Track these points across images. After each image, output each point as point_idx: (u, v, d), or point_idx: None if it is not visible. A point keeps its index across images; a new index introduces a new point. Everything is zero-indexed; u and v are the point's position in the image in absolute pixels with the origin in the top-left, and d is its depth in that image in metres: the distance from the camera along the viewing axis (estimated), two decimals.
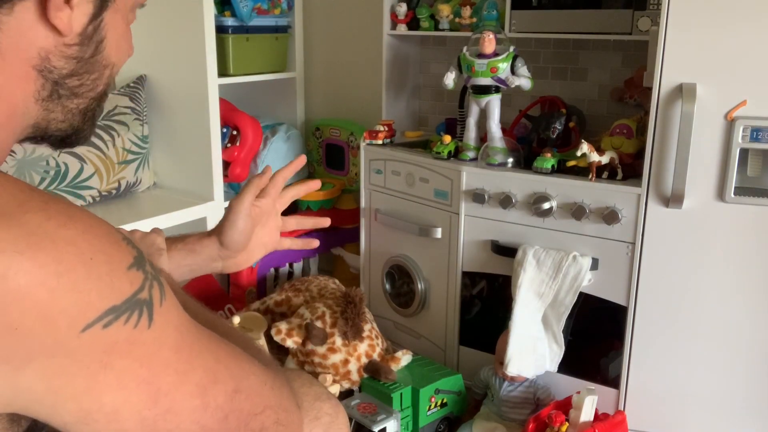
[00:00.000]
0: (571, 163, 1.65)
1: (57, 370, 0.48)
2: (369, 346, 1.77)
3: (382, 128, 2.03)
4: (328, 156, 2.48)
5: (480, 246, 1.76)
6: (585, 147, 1.56)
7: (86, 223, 0.50)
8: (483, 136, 1.81)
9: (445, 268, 1.85)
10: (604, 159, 1.58)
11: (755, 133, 1.41)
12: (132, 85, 2.21)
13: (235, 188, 2.38)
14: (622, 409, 1.63)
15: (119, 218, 1.98)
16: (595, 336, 1.77)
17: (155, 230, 0.99)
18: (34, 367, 0.47)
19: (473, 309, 1.95)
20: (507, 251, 1.70)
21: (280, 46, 2.44)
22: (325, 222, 1.17)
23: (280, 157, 2.35)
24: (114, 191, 2.13)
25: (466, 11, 1.97)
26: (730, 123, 1.42)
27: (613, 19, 1.70)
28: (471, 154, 1.80)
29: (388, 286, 2.05)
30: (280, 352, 1.83)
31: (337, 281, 2.07)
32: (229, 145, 2.23)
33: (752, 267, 1.47)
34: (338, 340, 1.76)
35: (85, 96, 0.62)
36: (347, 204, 2.36)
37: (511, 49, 1.73)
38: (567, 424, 1.53)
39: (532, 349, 1.66)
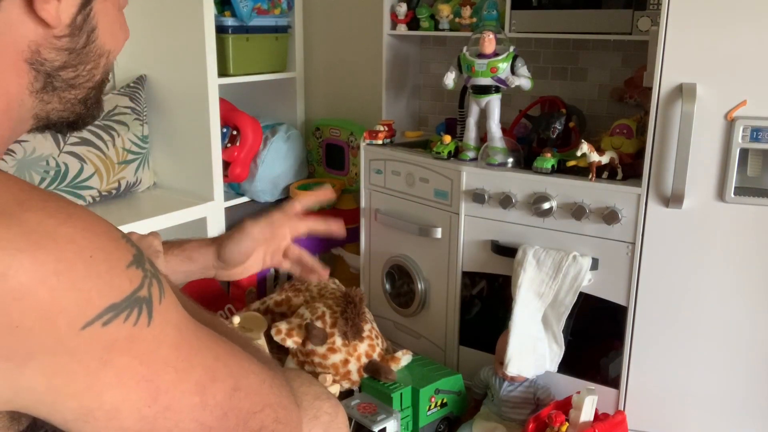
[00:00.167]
0: (571, 163, 1.65)
1: (57, 368, 0.48)
2: (369, 346, 1.77)
3: (382, 128, 2.03)
4: (328, 156, 2.48)
5: (480, 246, 1.76)
6: (585, 147, 1.56)
7: (86, 221, 0.50)
8: (483, 136, 1.81)
9: (445, 268, 1.85)
10: (604, 159, 1.58)
11: (755, 133, 1.41)
12: (132, 85, 2.21)
13: (235, 188, 2.38)
14: (622, 409, 1.63)
15: (119, 218, 1.98)
16: (595, 336, 1.77)
17: (152, 234, 0.99)
18: (35, 365, 0.47)
19: (473, 309, 1.95)
20: (507, 251, 1.70)
21: (280, 46, 2.44)
22: (325, 274, 1.14)
23: (280, 157, 2.35)
24: (114, 191, 2.13)
25: (466, 11, 1.97)
26: (730, 123, 1.42)
27: (613, 19, 1.70)
28: (471, 154, 1.80)
29: (388, 286, 2.05)
30: (280, 352, 1.83)
31: (337, 281, 2.07)
32: (229, 145, 2.23)
33: (752, 267, 1.47)
34: (338, 340, 1.76)
35: (83, 86, 0.61)
36: (347, 204, 2.36)
37: (511, 49, 1.73)
38: (567, 424, 1.53)
39: (532, 349, 1.66)
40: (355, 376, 1.75)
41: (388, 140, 2.03)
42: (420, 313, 1.96)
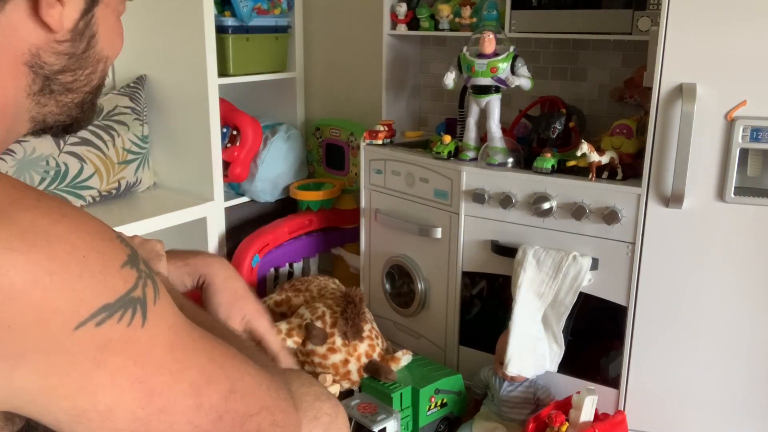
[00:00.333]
0: (571, 163, 1.65)
1: (51, 368, 0.48)
2: (369, 346, 1.77)
3: (382, 128, 2.03)
4: (328, 156, 2.48)
5: (480, 246, 1.76)
6: (585, 147, 1.56)
7: (79, 220, 0.49)
8: (483, 136, 1.81)
9: (445, 268, 1.85)
10: (604, 159, 1.58)
11: (755, 133, 1.40)
12: (132, 85, 2.21)
13: (235, 188, 2.38)
14: (622, 409, 1.63)
15: (119, 218, 1.98)
16: (595, 336, 1.76)
17: (156, 240, 0.98)
18: (28, 365, 0.47)
19: (473, 309, 1.95)
20: (507, 251, 1.70)
21: (280, 46, 2.44)
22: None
23: (280, 157, 2.35)
24: (114, 191, 2.13)
25: (466, 11, 1.96)
26: (730, 123, 1.42)
27: (613, 19, 1.70)
28: (471, 154, 1.80)
29: (388, 286, 2.05)
30: None
31: (337, 281, 2.07)
32: (229, 145, 2.23)
33: (752, 267, 1.47)
34: (338, 340, 1.76)
35: (80, 91, 0.61)
36: (347, 204, 2.36)
37: (511, 49, 1.73)
38: (567, 424, 1.53)
39: (532, 349, 1.66)
40: (355, 376, 1.75)
41: (388, 140, 2.03)
42: (420, 313, 1.96)
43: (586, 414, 1.53)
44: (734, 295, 1.49)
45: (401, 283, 2.01)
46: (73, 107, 0.62)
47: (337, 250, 2.43)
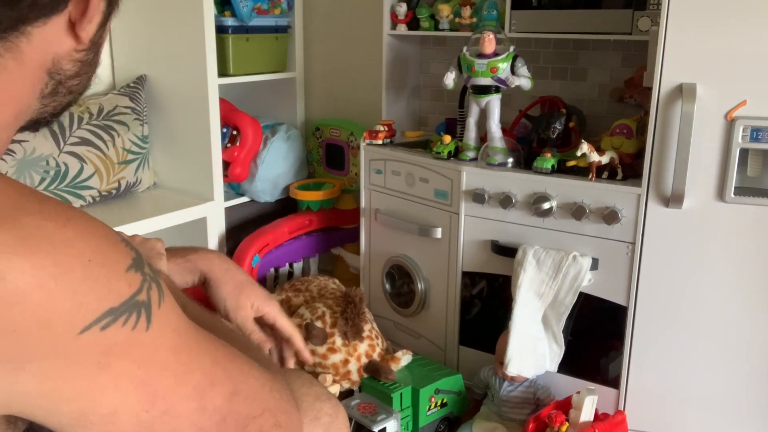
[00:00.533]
0: (571, 163, 1.65)
1: (55, 372, 0.48)
2: (369, 346, 1.77)
3: (382, 128, 2.03)
4: (328, 156, 2.48)
5: (480, 246, 1.76)
6: (585, 147, 1.56)
7: (84, 224, 0.50)
8: (483, 136, 1.81)
9: (445, 268, 1.85)
10: (604, 159, 1.58)
11: (755, 133, 1.41)
12: (132, 85, 2.21)
13: (235, 188, 2.38)
14: (622, 409, 1.63)
15: (119, 218, 1.98)
16: (595, 336, 1.77)
17: (156, 238, 0.99)
18: (32, 369, 0.47)
19: (473, 309, 1.95)
20: (507, 251, 1.70)
21: (280, 46, 2.44)
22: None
23: (280, 157, 2.35)
24: (114, 191, 2.13)
25: (466, 11, 1.96)
26: (730, 123, 1.42)
27: (613, 19, 1.70)
28: (471, 154, 1.80)
29: (388, 286, 2.05)
30: None
31: (337, 281, 2.07)
32: (229, 145, 2.23)
33: (752, 267, 1.47)
34: (338, 340, 1.76)
35: (76, 93, 0.63)
36: (347, 204, 2.36)
37: (511, 49, 1.73)
38: (567, 424, 1.53)
39: (532, 349, 1.66)
40: (355, 376, 1.76)
41: (388, 140, 2.03)
42: (420, 313, 1.96)
43: (586, 414, 1.53)
44: (734, 295, 1.50)
45: (401, 283, 2.01)
46: (63, 107, 0.63)
47: (337, 250, 2.43)
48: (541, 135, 1.78)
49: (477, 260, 1.78)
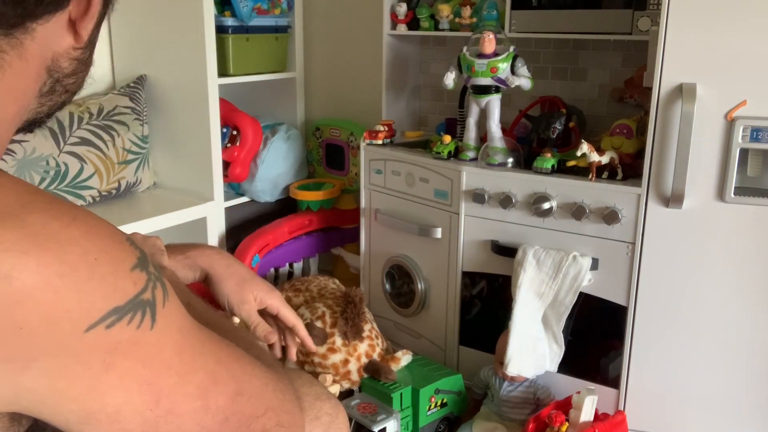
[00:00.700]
0: (571, 163, 1.65)
1: (60, 371, 0.48)
2: (369, 346, 1.78)
3: (382, 128, 2.03)
4: (328, 156, 2.48)
5: (480, 246, 1.76)
6: (585, 147, 1.56)
7: (90, 223, 0.50)
8: (483, 136, 1.81)
9: (445, 268, 1.85)
10: (604, 159, 1.58)
11: (755, 133, 1.41)
12: (132, 85, 2.21)
13: (235, 188, 2.38)
14: (622, 409, 1.63)
15: (119, 218, 1.98)
16: (595, 336, 1.77)
17: (155, 236, 0.99)
18: (38, 367, 0.47)
19: (473, 309, 1.95)
20: (507, 251, 1.70)
21: (280, 46, 2.44)
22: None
23: (280, 157, 2.35)
24: (114, 191, 2.13)
25: (466, 11, 1.97)
26: (730, 123, 1.42)
27: (613, 19, 1.70)
28: (471, 154, 1.80)
29: (388, 286, 2.05)
30: None
31: (337, 281, 2.07)
32: (229, 145, 2.23)
33: (752, 267, 1.48)
34: (338, 340, 1.76)
35: (71, 92, 0.63)
36: (347, 204, 2.36)
37: (511, 49, 1.74)
38: (567, 424, 1.53)
39: (532, 349, 1.66)
40: (355, 376, 1.76)
41: (388, 140, 2.03)
42: (420, 313, 1.96)
43: (586, 414, 1.53)
44: (734, 295, 1.50)
45: (401, 283, 2.01)
46: (58, 107, 0.64)
47: (337, 250, 2.43)
48: (541, 135, 1.78)
49: (477, 260, 1.78)
